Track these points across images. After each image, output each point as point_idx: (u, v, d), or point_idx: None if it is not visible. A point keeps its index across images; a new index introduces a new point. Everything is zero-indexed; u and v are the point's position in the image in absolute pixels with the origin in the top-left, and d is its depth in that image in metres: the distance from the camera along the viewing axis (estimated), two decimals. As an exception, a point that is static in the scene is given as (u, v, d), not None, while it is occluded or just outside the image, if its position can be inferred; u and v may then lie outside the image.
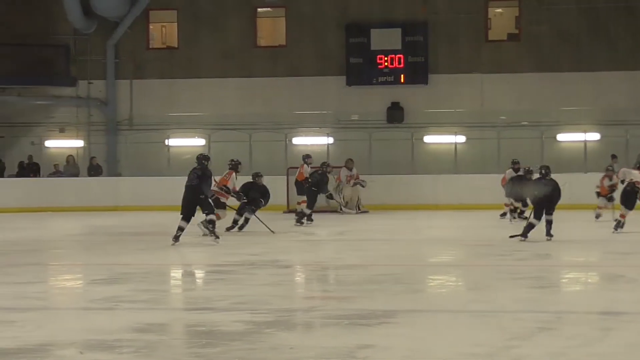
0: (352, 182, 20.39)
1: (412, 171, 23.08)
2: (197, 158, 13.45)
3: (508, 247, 13.56)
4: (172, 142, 24.85)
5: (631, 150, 22.55)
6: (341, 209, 19.95)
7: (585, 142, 23.57)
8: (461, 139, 24.00)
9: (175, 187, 15.81)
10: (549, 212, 13.47)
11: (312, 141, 24.66)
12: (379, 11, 24.49)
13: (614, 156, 21.74)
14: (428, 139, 24.33)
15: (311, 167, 18.56)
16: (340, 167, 20.64)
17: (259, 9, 25.27)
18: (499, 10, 25.21)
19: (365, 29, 24.34)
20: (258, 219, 15.09)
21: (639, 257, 12.73)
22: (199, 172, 13.09)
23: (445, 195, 21.13)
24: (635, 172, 15.56)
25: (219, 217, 14.96)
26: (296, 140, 24.35)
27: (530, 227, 13.37)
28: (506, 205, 17.71)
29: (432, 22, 24.16)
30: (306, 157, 18.24)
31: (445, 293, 10.18)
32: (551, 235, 13.31)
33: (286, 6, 24.93)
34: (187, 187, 13.17)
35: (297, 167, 18.95)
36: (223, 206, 15.59)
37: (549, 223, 13.30)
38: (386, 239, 15.95)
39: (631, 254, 12.91)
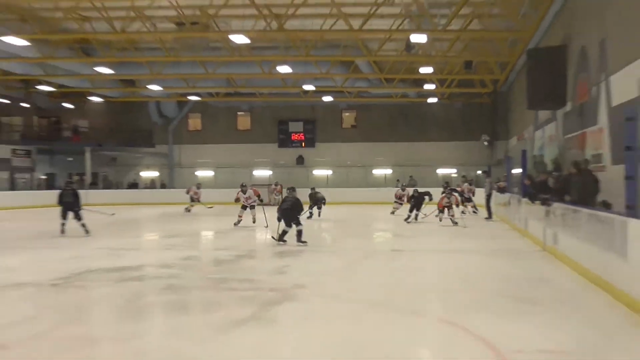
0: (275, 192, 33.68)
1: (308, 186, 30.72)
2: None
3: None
4: (199, 173, 39.87)
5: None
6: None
7: (385, 174, 38.56)
8: (329, 172, 38.74)
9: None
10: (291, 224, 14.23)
11: (263, 173, 39.08)
12: (293, 113, 39.01)
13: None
14: (315, 172, 38.32)
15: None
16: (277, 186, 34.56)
17: (238, 113, 40.00)
18: (347, 113, 39.15)
19: (286, 122, 39.08)
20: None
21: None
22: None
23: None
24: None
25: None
26: (255, 173, 39.31)
27: (284, 233, 13.98)
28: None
29: (317, 119, 38.85)
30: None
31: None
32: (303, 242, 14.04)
33: (251, 111, 39.79)
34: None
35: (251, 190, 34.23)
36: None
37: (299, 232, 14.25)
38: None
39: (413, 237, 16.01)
